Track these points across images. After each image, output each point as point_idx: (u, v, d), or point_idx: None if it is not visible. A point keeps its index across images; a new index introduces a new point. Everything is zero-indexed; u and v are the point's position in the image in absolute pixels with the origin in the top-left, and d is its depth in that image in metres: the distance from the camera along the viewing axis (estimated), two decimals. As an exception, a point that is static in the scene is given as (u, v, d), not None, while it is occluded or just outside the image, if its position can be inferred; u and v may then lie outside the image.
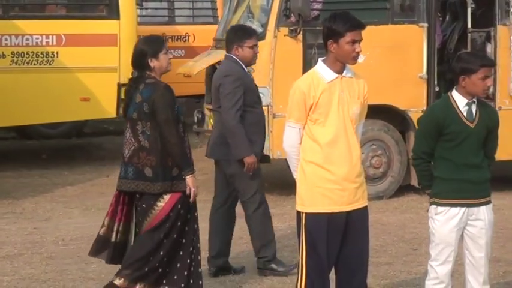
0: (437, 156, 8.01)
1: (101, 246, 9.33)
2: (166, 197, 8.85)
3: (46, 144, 20.05)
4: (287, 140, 8.01)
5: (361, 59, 13.99)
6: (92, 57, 17.31)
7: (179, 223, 8.96)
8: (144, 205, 9.03)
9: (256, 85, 11.17)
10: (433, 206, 8.08)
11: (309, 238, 7.82)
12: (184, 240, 9.05)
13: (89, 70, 17.22)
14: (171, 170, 8.94)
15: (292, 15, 14.66)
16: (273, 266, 10.67)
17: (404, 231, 12.56)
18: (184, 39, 20.78)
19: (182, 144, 8.91)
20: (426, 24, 15.23)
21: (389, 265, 11.08)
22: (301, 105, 7.71)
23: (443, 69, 14.97)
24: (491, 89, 14.71)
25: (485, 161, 8.18)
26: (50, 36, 17.42)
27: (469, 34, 16.35)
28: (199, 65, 16.73)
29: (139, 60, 9.37)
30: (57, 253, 12.06)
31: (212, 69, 16.02)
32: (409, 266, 10.72)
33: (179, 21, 21.78)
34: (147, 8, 21.43)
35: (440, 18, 16.60)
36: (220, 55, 15.92)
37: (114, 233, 9.20)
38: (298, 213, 7.93)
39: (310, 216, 7.80)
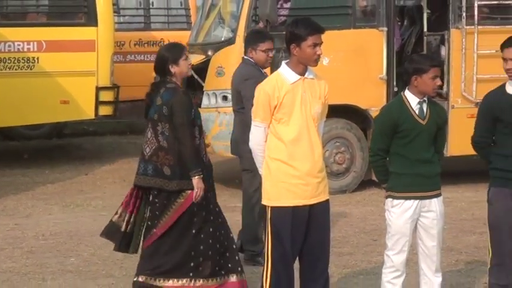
0: (392, 153, 8.10)
1: (112, 232, 9.46)
2: (186, 194, 8.89)
3: (27, 144, 19.99)
4: (253, 139, 8.07)
5: (325, 61, 14.22)
6: (71, 62, 17.24)
7: (200, 219, 9.06)
8: (164, 201, 9.08)
9: None
10: (389, 199, 8.17)
11: (275, 230, 7.86)
12: (202, 235, 9.08)
13: (68, 74, 17.15)
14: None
15: (260, 21, 14.70)
16: (260, 260, 10.71)
17: (365, 223, 12.62)
18: (159, 44, 20.66)
19: (193, 147, 8.95)
20: (385, 29, 15.31)
21: (351, 255, 11.14)
22: (266, 105, 7.77)
23: (402, 71, 15.10)
24: (444, 89, 14.82)
25: (435, 156, 8.24)
26: (31, 43, 17.32)
27: (425, 37, 16.46)
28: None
29: (161, 65, 9.42)
30: (37, 247, 12.03)
31: (196, 68, 16.11)
32: (369, 256, 10.79)
33: (155, 27, 21.78)
34: (124, 15, 21.39)
35: (399, 23, 16.67)
36: (192, 59, 16.01)
37: (125, 223, 9.27)
38: (264, 207, 7.98)
39: (275, 210, 7.85)
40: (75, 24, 17.74)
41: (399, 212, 8.13)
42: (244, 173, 11.04)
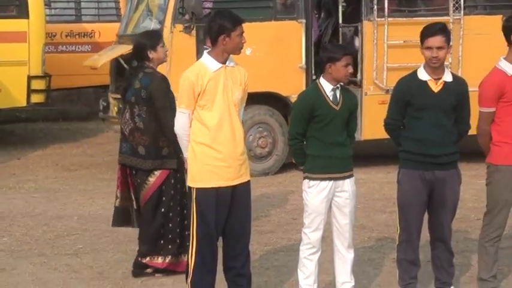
0: (309, 136, 8.18)
1: (123, 216, 9.70)
2: (157, 173, 9.18)
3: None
4: (178, 124, 8.09)
5: (248, 51, 14.25)
6: (3, 52, 17.11)
7: (168, 197, 9.34)
8: (138, 180, 9.41)
9: None
10: (306, 181, 8.26)
11: (199, 210, 7.89)
12: (171, 214, 9.39)
13: (2, 63, 17.06)
14: (162, 150, 9.30)
15: (186, 13, 14.74)
16: None
17: (286, 203, 12.69)
18: (90, 36, 20.71)
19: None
20: (304, 21, 15.37)
21: (272, 233, 11.20)
22: (190, 93, 7.80)
23: (317, 59, 15.19)
24: (358, 77, 14.94)
25: (347, 139, 8.37)
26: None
27: (340, 29, 16.57)
28: (103, 58, 16.71)
29: (140, 51, 9.78)
30: None
31: (116, 61, 16.08)
32: (289, 234, 10.86)
33: (85, 19, 21.65)
34: (55, 8, 21.22)
35: (316, 15, 16.76)
36: (122, 49, 15.98)
37: (134, 200, 9.59)
38: (190, 188, 8.02)
39: (200, 191, 7.89)
40: (6, 17, 17.61)
41: (315, 192, 8.23)
42: None
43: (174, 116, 8.50)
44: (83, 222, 12.08)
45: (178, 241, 9.49)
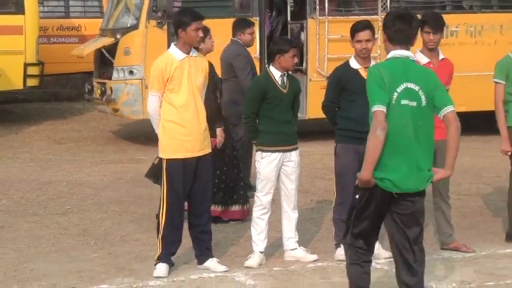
0: (261, 115, 8.20)
1: (154, 172, 9.43)
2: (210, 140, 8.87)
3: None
4: (150, 105, 8.07)
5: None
6: (3, 43, 17.01)
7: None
8: None
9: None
10: (259, 152, 8.28)
11: (169, 178, 7.92)
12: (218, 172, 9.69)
13: (2, 52, 16.96)
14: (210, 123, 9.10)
15: (158, 11, 14.68)
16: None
17: None
18: (77, 29, 20.64)
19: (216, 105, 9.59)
20: (258, 18, 15.29)
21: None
22: (160, 78, 7.80)
23: (269, 51, 15.19)
24: (304, 66, 14.91)
25: (293, 118, 8.45)
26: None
27: (289, 25, 16.67)
28: (88, 49, 16.67)
29: None
30: None
31: (99, 51, 16.01)
32: None
33: (73, 15, 21.47)
34: (47, 6, 21.15)
35: (269, 14, 16.73)
36: (104, 41, 15.93)
37: None
38: (161, 159, 8.03)
39: (169, 161, 7.91)
40: (5, 13, 17.49)
41: (267, 162, 8.26)
42: (232, 127, 10.90)
43: (219, 95, 9.16)
44: (71, 187, 12.02)
45: (220, 193, 9.81)
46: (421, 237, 6.25)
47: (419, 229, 6.23)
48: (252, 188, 10.32)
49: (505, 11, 15.06)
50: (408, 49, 6.07)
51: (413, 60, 6.18)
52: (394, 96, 5.93)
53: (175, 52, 7.96)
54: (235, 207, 9.96)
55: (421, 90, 5.92)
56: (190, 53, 7.96)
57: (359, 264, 6.32)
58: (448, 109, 5.98)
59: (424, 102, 5.93)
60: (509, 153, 9.05)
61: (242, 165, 10.54)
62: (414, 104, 5.91)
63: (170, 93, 7.86)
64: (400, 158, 5.95)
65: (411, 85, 5.92)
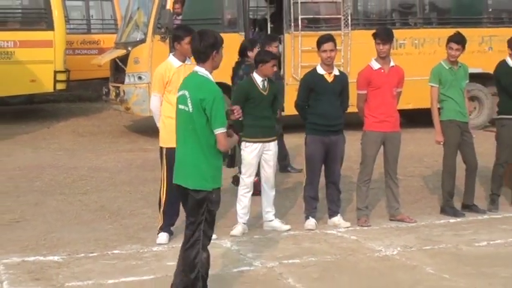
0: (246, 112, 8.12)
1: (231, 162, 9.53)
2: None
3: (8, 109, 19.62)
4: (153, 104, 8.09)
5: None
6: (37, 54, 16.96)
7: None
8: None
9: None
10: (243, 143, 8.28)
11: (168, 163, 7.83)
12: None
13: (35, 62, 16.91)
14: None
15: (162, 28, 14.65)
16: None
17: None
18: (97, 43, 20.61)
19: None
20: (243, 33, 15.15)
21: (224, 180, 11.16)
22: (161, 82, 7.84)
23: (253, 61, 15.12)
24: (282, 73, 14.83)
25: (272, 114, 8.52)
26: (8, 41, 17.13)
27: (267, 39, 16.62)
28: (105, 58, 16.65)
29: (243, 50, 10.35)
30: (14, 175, 11.85)
31: (114, 61, 15.99)
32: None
33: (94, 32, 21.44)
34: (73, 23, 21.12)
35: (252, 30, 16.68)
36: (118, 52, 15.93)
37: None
38: (161, 148, 8.01)
39: (168, 149, 7.81)
40: (39, 29, 17.40)
41: (249, 151, 8.29)
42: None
43: None
44: (91, 171, 12.04)
45: None
46: None
47: None
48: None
49: (442, 27, 15.15)
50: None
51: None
52: None
53: (173, 61, 7.98)
54: None
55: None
56: (186, 61, 7.95)
57: None
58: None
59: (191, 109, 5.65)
60: (442, 143, 9.14)
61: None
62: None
63: (169, 94, 7.83)
64: None
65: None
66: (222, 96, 5.68)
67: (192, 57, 8.12)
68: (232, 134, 5.89)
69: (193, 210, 5.71)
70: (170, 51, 13.17)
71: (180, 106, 5.79)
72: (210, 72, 5.78)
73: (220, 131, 5.60)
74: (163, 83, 7.86)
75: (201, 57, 5.76)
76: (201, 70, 5.75)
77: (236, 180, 9.91)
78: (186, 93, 5.71)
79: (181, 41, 7.85)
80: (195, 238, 5.67)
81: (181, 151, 5.89)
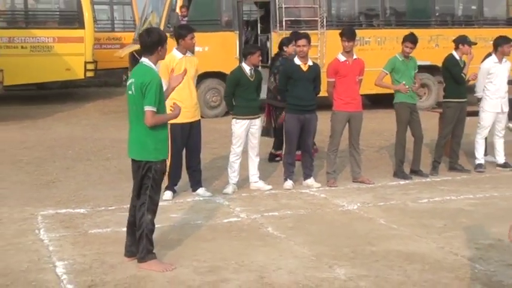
0: (236, 95, 8.20)
1: (266, 131, 9.96)
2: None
3: (48, 92, 19.66)
4: None
5: (206, 48, 14.08)
6: (70, 48, 17.01)
7: None
8: (277, 112, 9.89)
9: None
10: (234, 120, 8.35)
11: (173, 136, 7.67)
12: None
13: (69, 54, 16.98)
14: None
15: (171, 27, 14.57)
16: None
17: (226, 133, 12.39)
18: (119, 39, 20.53)
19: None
20: (238, 32, 15.14)
21: (216, 148, 11.15)
22: (165, 70, 7.72)
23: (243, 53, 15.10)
24: (269, 63, 14.58)
25: (257, 97, 8.50)
26: (49, 38, 17.13)
27: (259, 37, 16.64)
28: (125, 51, 16.74)
29: (280, 45, 10.26)
30: (51, 145, 11.86)
31: (132, 53, 15.95)
32: (226, 148, 10.47)
33: (116, 30, 21.42)
34: (100, 23, 21.05)
35: (245, 28, 16.71)
36: (135, 47, 15.80)
37: (273, 123, 10.02)
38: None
39: (172, 124, 7.68)
40: (72, 28, 17.37)
41: (238, 126, 8.31)
42: None
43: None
44: (112, 142, 12.01)
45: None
46: None
47: None
48: None
49: (399, 28, 15.06)
50: None
51: None
52: None
53: (176, 53, 7.97)
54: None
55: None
56: (186, 54, 7.94)
57: None
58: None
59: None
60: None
61: None
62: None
63: (173, 80, 7.86)
64: None
65: None
66: (158, 82, 5.57)
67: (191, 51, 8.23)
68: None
69: (141, 179, 5.64)
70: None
71: (128, 91, 5.64)
72: (154, 63, 5.67)
73: (147, 108, 5.48)
74: (167, 71, 7.74)
75: (148, 50, 5.62)
76: (146, 61, 5.62)
77: (272, 157, 10.17)
78: (132, 80, 5.58)
79: (185, 38, 7.85)
80: (141, 202, 5.64)
81: (130, 129, 5.79)
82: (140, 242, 5.66)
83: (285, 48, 10.14)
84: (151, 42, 5.60)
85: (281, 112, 9.43)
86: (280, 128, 9.67)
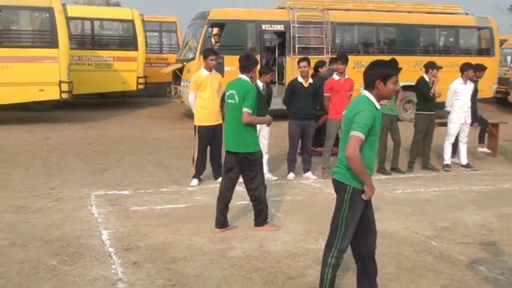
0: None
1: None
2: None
3: (108, 100, 19.86)
4: (190, 98, 8.13)
5: (230, 69, 14.07)
6: (126, 66, 17.17)
7: None
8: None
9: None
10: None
11: (200, 136, 7.96)
12: None
13: (125, 71, 17.13)
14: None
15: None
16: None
17: None
18: (165, 59, 20.35)
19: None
20: (259, 55, 14.91)
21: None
22: (195, 84, 7.88)
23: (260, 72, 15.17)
24: (284, 80, 14.84)
25: (267, 107, 8.31)
26: (109, 57, 17.35)
27: (276, 60, 16.70)
28: (170, 69, 16.79)
29: (316, 68, 10.03)
30: (107, 142, 11.92)
31: (175, 71, 16.07)
32: None
33: (164, 52, 21.15)
34: (151, 46, 20.70)
35: (266, 53, 16.70)
36: (177, 66, 16.03)
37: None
38: (195, 126, 8.04)
39: (200, 127, 7.95)
40: (127, 50, 17.49)
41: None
42: None
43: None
44: (155, 140, 12.14)
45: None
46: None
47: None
48: None
49: (390, 54, 14.85)
50: None
51: None
52: None
53: (203, 71, 8.03)
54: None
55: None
56: (212, 72, 8.01)
57: None
58: None
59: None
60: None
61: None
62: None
63: (201, 92, 7.93)
64: None
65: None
66: (255, 92, 5.89)
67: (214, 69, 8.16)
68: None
69: (247, 167, 5.88)
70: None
71: (229, 100, 5.88)
72: (249, 79, 6.01)
73: (245, 109, 5.76)
74: (196, 85, 7.93)
75: (246, 69, 5.99)
76: (244, 76, 5.98)
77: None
78: (233, 91, 5.85)
79: (207, 58, 7.93)
80: (256, 183, 5.98)
81: (230, 130, 5.94)
82: (260, 212, 6.03)
83: (319, 70, 10.15)
84: (250, 64, 6.01)
85: (319, 118, 9.50)
86: (318, 129, 9.59)
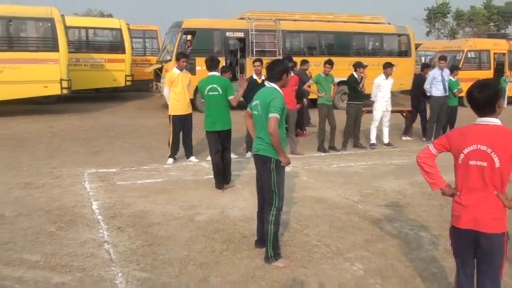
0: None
1: None
2: None
3: (100, 95, 19.35)
4: (165, 92, 7.95)
5: (199, 68, 13.75)
6: (116, 66, 16.76)
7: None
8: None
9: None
10: None
11: (174, 123, 7.71)
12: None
13: (115, 70, 16.71)
14: None
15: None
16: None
17: None
18: (148, 61, 19.83)
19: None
20: (224, 57, 14.90)
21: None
22: (169, 81, 7.73)
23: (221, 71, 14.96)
24: (244, 76, 14.58)
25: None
26: (101, 59, 16.86)
27: (238, 61, 16.49)
28: (151, 69, 16.37)
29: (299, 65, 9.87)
30: (100, 129, 11.65)
31: (155, 70, 15.75)
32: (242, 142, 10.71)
33: (147, 54, 20.53)
34: (136, 50, 20.13)
35: (230, 55, 16.56)
36: (157, 66, 15.70)
37: None
38: (169, 115, 7.84)
39: (173, 116, 7.78)
40: (116, 53, 17.02)
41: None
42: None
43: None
44: (140, 127, 11.88)
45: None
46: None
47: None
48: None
49: (329, 56, 14.85)
50: None
51: None
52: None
53: (175, 70, 7.86)
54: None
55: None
56: (183, 71, 7.84)
57: None
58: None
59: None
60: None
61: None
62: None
63: (173, 87, 7.79)
64: None
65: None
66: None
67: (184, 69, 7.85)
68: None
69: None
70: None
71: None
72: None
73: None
74: (170, 82, 7.79)
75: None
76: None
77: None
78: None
79: (179, 60, 7.77)
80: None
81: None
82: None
83: (305, 67, 10.44)
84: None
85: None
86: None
